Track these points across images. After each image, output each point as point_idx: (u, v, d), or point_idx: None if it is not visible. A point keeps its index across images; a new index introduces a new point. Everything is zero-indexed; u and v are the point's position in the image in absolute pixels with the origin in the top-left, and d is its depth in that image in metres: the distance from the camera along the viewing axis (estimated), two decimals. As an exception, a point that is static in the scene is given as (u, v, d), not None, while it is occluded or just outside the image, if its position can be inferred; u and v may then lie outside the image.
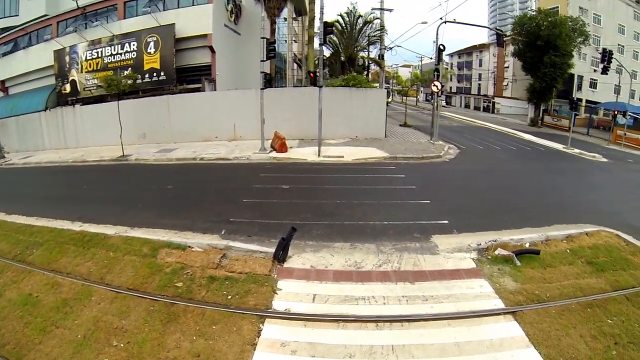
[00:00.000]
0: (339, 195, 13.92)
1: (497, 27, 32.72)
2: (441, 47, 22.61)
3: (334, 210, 12.58)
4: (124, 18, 28.64)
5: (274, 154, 20.59)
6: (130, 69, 26.56)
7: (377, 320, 7.27)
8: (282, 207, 12.76)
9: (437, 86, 22.33)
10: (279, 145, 20.76)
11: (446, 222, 11.55)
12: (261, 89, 20.82)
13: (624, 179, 20.00)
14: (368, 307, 7.73)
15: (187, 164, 19.12)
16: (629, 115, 34.80)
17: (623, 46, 44.01)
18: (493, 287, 8.46)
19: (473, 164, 20.05)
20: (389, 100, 45.59)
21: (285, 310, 7.58)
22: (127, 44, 27.49)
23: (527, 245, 10.19)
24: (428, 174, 17.39)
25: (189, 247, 9.82)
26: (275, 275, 8.78)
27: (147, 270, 8.87)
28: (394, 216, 11.96)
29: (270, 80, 25.61)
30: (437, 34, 23.60)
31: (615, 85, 40.59)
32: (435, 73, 22.75)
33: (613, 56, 29.19)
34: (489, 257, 9.68)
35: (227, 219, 11.57)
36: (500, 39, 26.44)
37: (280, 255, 9.25)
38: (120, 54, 27.60)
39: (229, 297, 7.97)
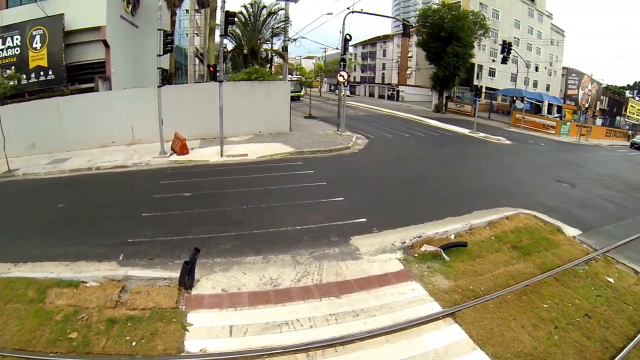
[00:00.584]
0: (245, 200, 12.31)
1: (401, 19, 33.73)
2: (347, 37, 22.13)
3: (241, 217, 10.96)
4: (6, 7, 23.57)
5: (174, 157, 18.23)
6: (13, 67, 22.07)
7: (307, 348, 5.96)
8: (184, 219, 10.82)
9: (343, 76, 21.68)
10: (180, 147, 18.48)
11: (364, 220, 10.54)
12: (158, 86, 18.35)
13: (528, 159, 21.41)
14: (294, 333, 6.34)
15: (81, 176, 15.97)
16: (526, 100, 39.34)
17: (518, 39, 49.25)
18: (426, 289, 7.58)
19: (384, 153, 19.59)
20: (301, 93, 44.78)
21: (201, 351, 5.98)
22: (8, 39, 22.64)
23: (452, 237, 9.67)
24: (338, 167, 16.44)
25: (83, 282, 7.57)
26: (184, 307, 6.99)
27: (35, 321, 6.48)
28: (307, 219, 10.69)
29: (169, 77, 22.80)
30: (343, 24, 23.12)
31: (512, 73, 46.06)
32: (342, 63, 22.12)
33: (512, 48, 31.37)
34: (416, 255, 8.86)
35: (126, 239, 9.41)
36: (406, 30, 27.04)
37: (187, 281, 7.50)
38: (2, 50, 22.88)
39: (134, 343, 6.06)
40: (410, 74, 59.20)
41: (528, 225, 10.60)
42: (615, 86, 72.97)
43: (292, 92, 28.14)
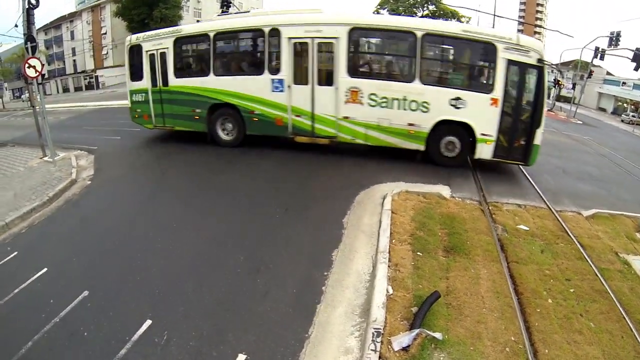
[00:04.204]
0: None
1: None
2: (32, 3, 11.96)
3: None
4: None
5: None
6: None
7: None
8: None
9: (35, 66, 11.42)
10: None
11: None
12: None
13: None
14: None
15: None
16: None
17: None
18: None
19: (130, 171, 11.24)
20: None
21: None
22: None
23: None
24: (69, 232, 7.67)
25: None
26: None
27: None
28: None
29: None
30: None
31: None
32: (29, 46, 11.71)
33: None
34: None
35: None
36: None
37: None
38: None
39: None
40: (107, 53, 48.64)
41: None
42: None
43: None
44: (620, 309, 5.28)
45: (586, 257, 6.45)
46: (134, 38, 11.85)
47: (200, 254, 6.27)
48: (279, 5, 31.65)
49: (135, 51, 11.75)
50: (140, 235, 6.94)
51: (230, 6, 28.42)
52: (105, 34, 48.72)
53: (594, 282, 5.79)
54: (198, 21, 44.42)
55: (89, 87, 51.31)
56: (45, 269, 6.01)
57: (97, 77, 50.04)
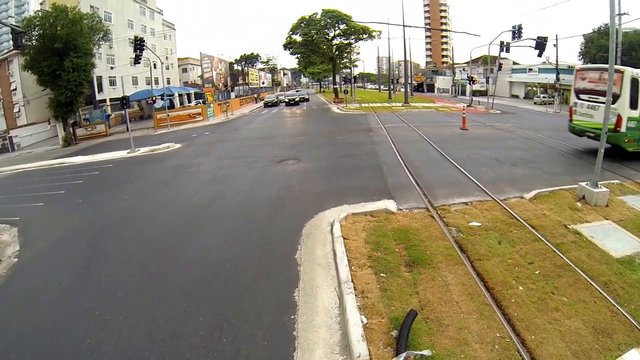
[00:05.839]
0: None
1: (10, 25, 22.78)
2: None
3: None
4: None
5: None
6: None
7: None
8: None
9: None
10: None
11: None
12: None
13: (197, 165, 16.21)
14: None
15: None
16: (166, 97, 39.66)
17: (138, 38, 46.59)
18: None
19: (64, 250, 8.93)
20: None
21: None
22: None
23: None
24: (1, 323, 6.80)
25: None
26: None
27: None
28: None
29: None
30: None
31: (132, 77, 45.00)
32: None
33: (144, 44, 28.04)
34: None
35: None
36: (19, 39, 16.97)
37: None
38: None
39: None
40: (19, 111, 45.23)
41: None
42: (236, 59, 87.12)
43: None
44: (585, 276, 5.48)
45: (540, 237, 6.69)
46: (634, 72, 12.12)
47: (154, 322, 5.60)
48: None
49: (635, 83, 12.06)
50: (85, 312, 6.07)
51: (143, 50, 28.04)
52: (15, 89, 45.42)
53: (554, 259, 5.98)
54: (112, 68, 43.45)
55: (3, 150, 46.50)
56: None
57: (11, 138, 45.54)
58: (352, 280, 5.65)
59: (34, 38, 29.91)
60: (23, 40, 18.92)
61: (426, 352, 4.12)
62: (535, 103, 45.43)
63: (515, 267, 5.80)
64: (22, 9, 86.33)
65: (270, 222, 8.81)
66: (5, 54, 48.00)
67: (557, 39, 38.39)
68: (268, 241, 7.81)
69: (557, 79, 38.40)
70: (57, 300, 6.64)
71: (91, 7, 40.98)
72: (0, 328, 5.99)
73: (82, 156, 23.29)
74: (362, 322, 4.76)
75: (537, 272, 5.65)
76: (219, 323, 5.39)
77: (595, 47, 33.73)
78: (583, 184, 8.68)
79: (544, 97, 45.45)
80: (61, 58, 29.76)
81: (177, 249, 7.97)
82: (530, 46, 29.40)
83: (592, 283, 5.31)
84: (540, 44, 27.85)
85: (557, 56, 39.80)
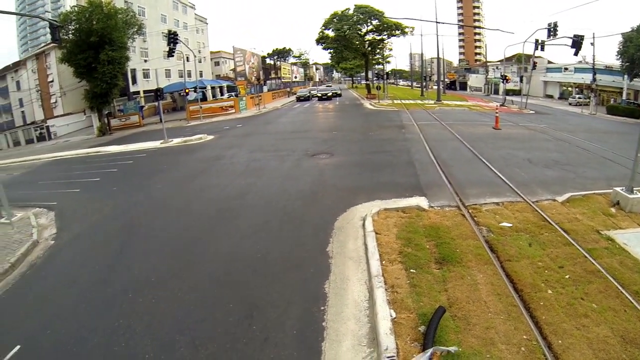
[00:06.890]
0: None
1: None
2: None
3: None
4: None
5: None
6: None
7: None
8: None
9: None
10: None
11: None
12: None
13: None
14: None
15: None
16: (199, 90, 39.97)
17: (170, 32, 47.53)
18: None
19: (98, 234, 9.54)
20: None
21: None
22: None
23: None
24: (39, 302, 6.29)
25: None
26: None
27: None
28: None
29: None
30: None
31: (165, 69, 45.94)
32: None
33: (178, 37, 28.71)
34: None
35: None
36: (56, 33, 17.77)
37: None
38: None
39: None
40: (56, 102, 47.14)
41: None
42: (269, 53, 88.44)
43: None
44: (616, 284, 5.46)
45: (572, 241, 6.67)
46: None
47: (185, 307, 5.95)
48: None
49: None
50: (118, 294, 6.50)
51: (176, 43, 28.70)
52: (53, 81, 47.33)
53: (585, 264, 5.98)
54: (145, 61, 44.66)
55: (41, 138, 48.96)
56: (19, 346, 5.50)
57: (48, 127, 47.77)
58: (382, 275, 5.85)
59: (70, 32, 31.11)
60: (60, 34, 19.68)
61: (453, 349, 4.27)
62: (570, 104, 44.17)
63: (545, 270, 5.85)
64: (58, 4, 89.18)
65: (303, 214, 9.08)
66: (43, 47, 50.02)
67: (594, 37, 37.26)
68: (300, 233, 8.08)
69: (594, 79, 37.08)
70: (91, 282, 7.09)
71: (125, 1, 41.89)
72: (37, 306, 6.49)
73: (117, 146, 24.20)
74: (390, 316, 4.96)
75: (567, 276, 5.69)
76: (249, 311, 5.64)
77: (634, 46, 32.29)
78: (618, 189, 8.54)
79: (579, 97, 44.09)
80: (96, 51, 30.83)
81: (208, 238, 8.34)
82: (566, 44, 28.45)
83: (623, 291, 5.31)
84: (577, 43, 26.95)
85: (593, 55, 38.40)
